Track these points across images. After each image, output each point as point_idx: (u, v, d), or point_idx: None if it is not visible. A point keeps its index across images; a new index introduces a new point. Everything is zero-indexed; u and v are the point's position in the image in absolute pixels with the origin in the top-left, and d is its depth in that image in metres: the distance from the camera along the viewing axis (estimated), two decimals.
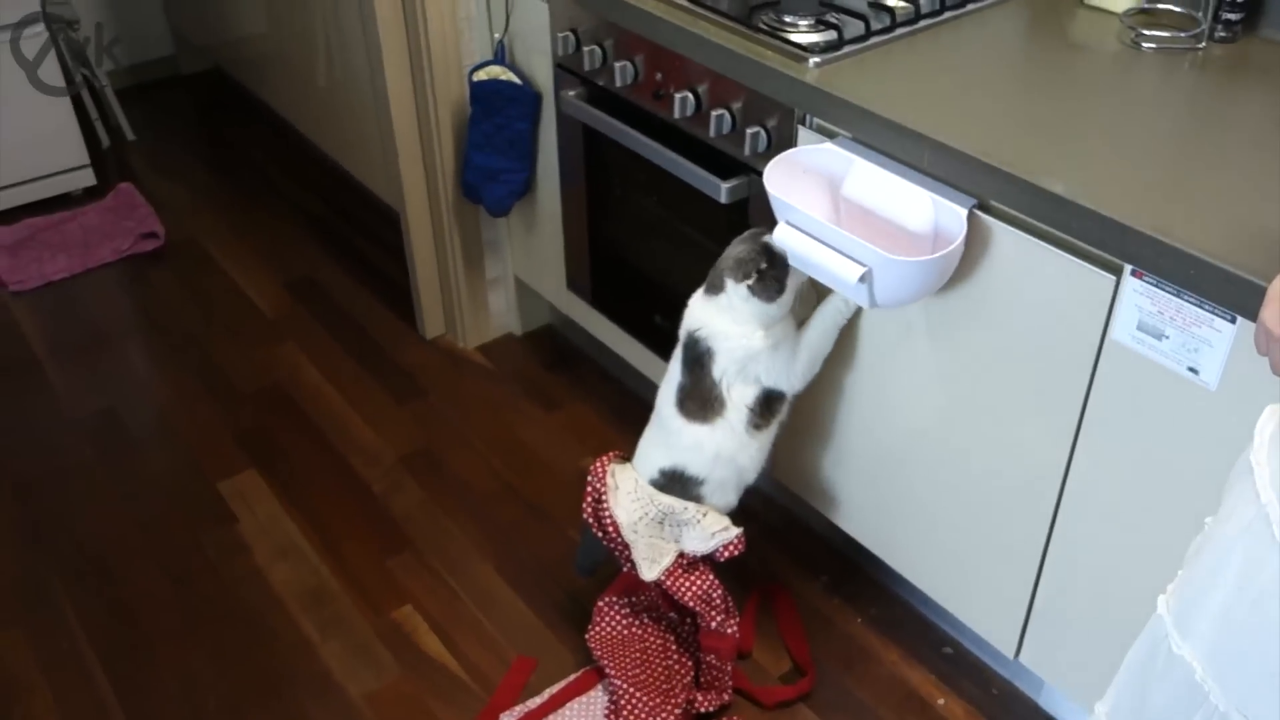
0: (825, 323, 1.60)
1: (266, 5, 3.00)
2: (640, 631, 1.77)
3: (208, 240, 2.94)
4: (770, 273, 1.52)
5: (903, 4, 1.66)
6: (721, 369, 1.59)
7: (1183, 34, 1.58)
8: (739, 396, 1.60)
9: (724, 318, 1.58)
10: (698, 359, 1.61)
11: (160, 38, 3.67)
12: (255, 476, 2.20)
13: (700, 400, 1.62)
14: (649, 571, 1.65)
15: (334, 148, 3.03)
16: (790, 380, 1.62)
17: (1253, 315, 1.07)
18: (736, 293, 1.55)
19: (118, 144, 3.41)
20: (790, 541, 2.04)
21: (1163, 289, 1.22)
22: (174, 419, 2.36)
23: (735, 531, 1.67)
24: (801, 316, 1.64)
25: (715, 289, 1.58)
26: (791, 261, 1.51)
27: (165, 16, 3.63)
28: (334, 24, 2.64)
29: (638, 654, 1.74)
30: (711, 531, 1.66)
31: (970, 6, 1.70)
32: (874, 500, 1.75)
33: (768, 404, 1.62)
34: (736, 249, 1.56)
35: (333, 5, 2.60)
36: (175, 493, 2.18)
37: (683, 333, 1.64)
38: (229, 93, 3.63)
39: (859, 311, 1.60)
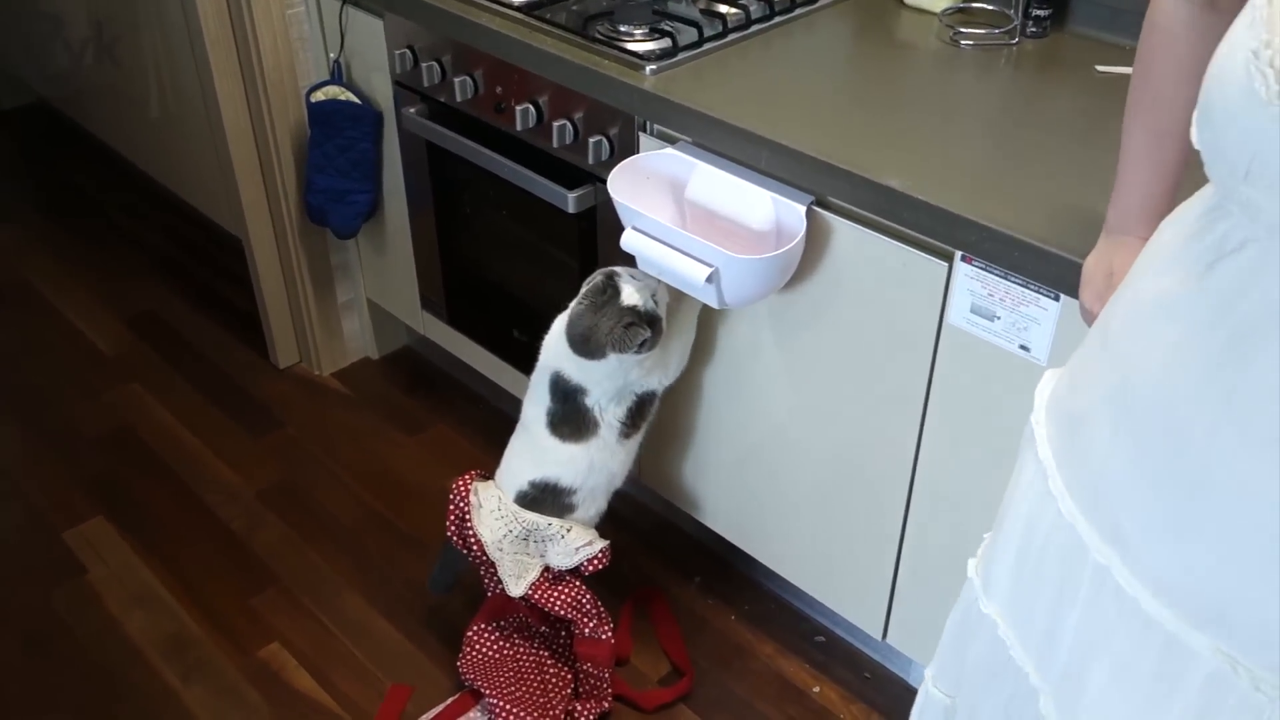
0: (688, 316, 1.62)
1: (91, 34, 2.88)
2: (513, 651, 1.75)
3: (41, 283, 2.80)
4: (655, 332, 1.52)
5: (734, 11, 1.70)
6: (595, 400, 1.61)
7: (997, 31, 1.66)
8: (613, 416, 1.63)
9: (603, 370, 1.57)
10: (567, 394, 1.62)
11: None
12: (104, 524, 2.10)
13: (574, 424, 1.63)
14: (515, 588, 1.65)
15: (171, 178, 2.92)
16: (665, 379, 1.65)
17: (1074, 292, 1.13)
18: (624, 359, 1.54)
19: None
20: (662, 545, 2.06)
21: (991, 272, 1.28)
22: (14, 471, 2.23)
23: (601, 545, 1.68)
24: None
25: (594, 355, 1.54)
26: (641, 265, 1.53)
27: None
28: (164, 50, 2.56)
29: (511, 672, 1.72)
30: (576, 546, 1.66)
31: (799, 11, 1.75)
32: (739, 498, 1.78)
33: (639, 410, 1.65)
34: (605, 322, 1.51)
35: (161, 31, 2.51)
36: (19, 548, 2.06)
37: (547, 368, 1.63)
38: (56, 127, 3.46)
39: (715, 313, 1.62)
